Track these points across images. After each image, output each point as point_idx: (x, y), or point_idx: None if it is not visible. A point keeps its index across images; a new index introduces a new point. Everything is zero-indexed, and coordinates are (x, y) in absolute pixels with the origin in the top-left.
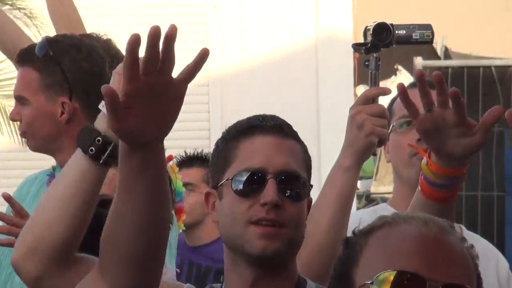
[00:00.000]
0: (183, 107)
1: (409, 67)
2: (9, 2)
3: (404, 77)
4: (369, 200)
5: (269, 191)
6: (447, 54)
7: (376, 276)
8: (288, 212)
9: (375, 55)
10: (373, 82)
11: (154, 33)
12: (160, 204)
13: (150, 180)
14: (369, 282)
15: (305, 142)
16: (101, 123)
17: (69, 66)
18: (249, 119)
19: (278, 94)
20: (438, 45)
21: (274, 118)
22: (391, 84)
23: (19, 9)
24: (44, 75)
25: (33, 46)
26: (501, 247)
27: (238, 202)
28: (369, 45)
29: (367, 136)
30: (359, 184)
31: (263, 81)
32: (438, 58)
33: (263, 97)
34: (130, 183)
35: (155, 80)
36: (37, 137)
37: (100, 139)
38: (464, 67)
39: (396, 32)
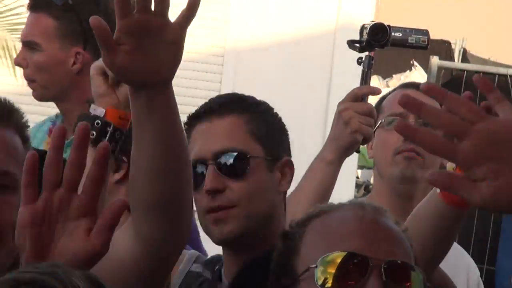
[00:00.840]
0: (195, 74)
1: (425, 64)
2: None
3: (418, 74)
4: (368, 190)
5: (207, 179)
6: (465, 57)
7: (321, 258)
8: (234, 191)
9: (369, 54)
10: (364, 80)
11: None
12: (171, 150)
13: (158, 124)
14: (313, 266)
15: (314, 124)
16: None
17: (87, 17)
18: (199, 107)
19: (291, 74)
20: (456, 46)
21: (213, 100)
22: (406, 78)
23: None
24: (61, 23)
25: None
26: (493, 257)
27: (197, 195)
28: (364, 43)
29: (352, 133)
30: (359, 173)
31: (278, 59)
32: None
33: (276, 74)
34: (138, 128)
35: (149, 19)
36: (45, 85)
37: (100, 121)
38: (480, 72)
39: (393, 34)
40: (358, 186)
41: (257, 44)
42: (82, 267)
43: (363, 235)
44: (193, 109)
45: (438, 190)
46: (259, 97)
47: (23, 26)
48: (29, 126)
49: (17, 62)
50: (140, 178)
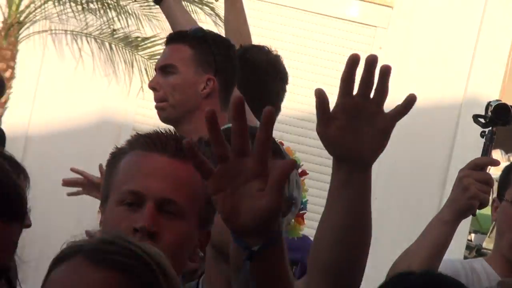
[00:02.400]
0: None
1: None
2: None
3: None
4: (479, 253)
5: None
6: None
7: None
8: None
9: (492, 129)
10: (486, 152)
11: (372, 60)
12: (358, 222)
13: (351, 197)
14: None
15: (433, 187)
16: None
17: (219, 51)
18: None
19: (415, 138)
20: None
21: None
22: None
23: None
24: (196, 52)
25: (185, 30)
26: None
27: None
28: (488, 119)
29: (469, 198)
30: (473, 237)
31: (405, 123)
32: None
33: (400, 137)
34: (333, 195)
35: (366, 105)
36: (175, 105)
37: None
38: None
39: None
40: (470, 248)
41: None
42: (266, 224)
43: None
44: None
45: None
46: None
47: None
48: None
49: (151, 86)
50: (325, 238)
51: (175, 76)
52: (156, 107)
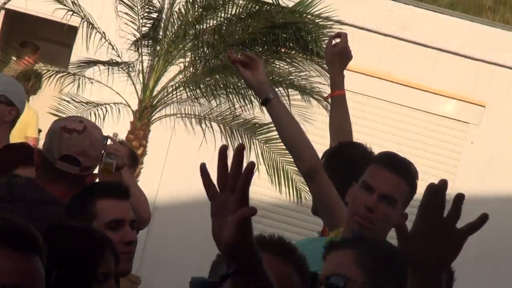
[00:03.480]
0: None
1: None
2: None
3: None
4: None
5: None
6: None
7: None
8: None
9: None
10: None
11: (443, 186)
12: None
13: None
14: None
15: None
16: None
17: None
18: None
19: (500, 241)
20: None
21: None
22: None
23: None
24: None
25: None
26: None
27: None
28: None
29: None
30: None
31: (494, 216)
32: None
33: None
34: None
35: (443, 223)
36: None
37: None
38: None
39: None
40: None
41: (480, 200)
42: (234, 254)
43: None
44: None
45: None
46: None
47: None
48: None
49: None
50: None
51: (394, 209)
52: None
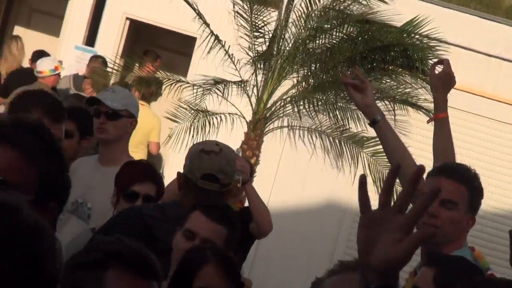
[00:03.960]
0: None
1: None
2: None
3: None
4: None
5: None
6: None
7: None
8: None
9: None
10: None
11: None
12: None
13: None
14: None
15: None
16: None
17: None
18: None
19: None
20: None
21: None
22: None
23: None
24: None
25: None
26: None
27: None
28: None
29: None
30: None
31: None
32: None
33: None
34: None
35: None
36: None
37: None
38: None
39: None
40: None
41: None
42: (390, 271)
43: None
44: None
45: None
46: None
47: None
48: None
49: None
50: None
51: (453, 212)
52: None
